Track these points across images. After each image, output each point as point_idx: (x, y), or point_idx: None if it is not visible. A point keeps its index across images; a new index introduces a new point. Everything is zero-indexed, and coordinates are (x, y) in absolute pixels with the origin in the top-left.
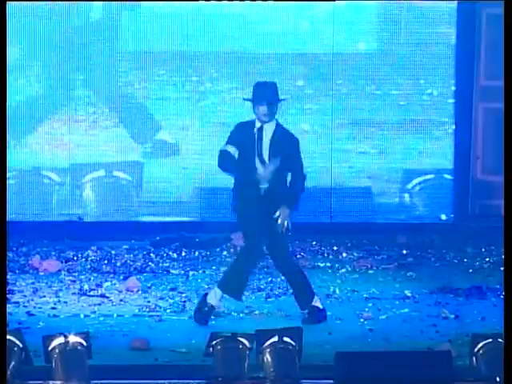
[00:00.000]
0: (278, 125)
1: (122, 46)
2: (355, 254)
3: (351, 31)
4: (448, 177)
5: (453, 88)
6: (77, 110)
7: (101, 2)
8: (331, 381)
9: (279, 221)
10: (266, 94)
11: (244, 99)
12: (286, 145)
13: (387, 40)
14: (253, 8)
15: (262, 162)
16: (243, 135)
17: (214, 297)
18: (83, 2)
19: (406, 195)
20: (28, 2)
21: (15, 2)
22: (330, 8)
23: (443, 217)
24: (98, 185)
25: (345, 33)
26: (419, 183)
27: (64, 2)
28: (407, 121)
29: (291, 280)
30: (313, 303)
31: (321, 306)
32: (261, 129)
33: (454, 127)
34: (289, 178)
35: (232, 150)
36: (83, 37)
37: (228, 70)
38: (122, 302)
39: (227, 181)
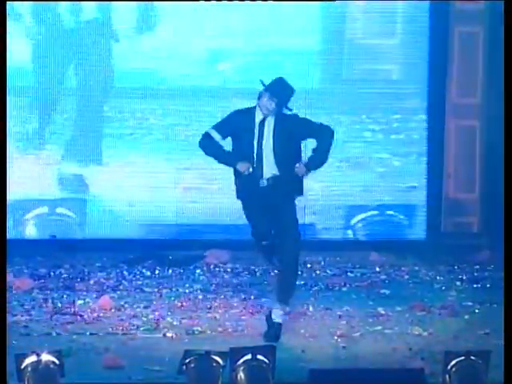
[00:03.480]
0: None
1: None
2: (328, 272)
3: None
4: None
5: (397, 116)
6: (18, 147)
7: None
8: None
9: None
10: (282, 94)
11: (261, 81)
12: (292, 128)
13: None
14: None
15: (260, 154)
16: (241, 122)
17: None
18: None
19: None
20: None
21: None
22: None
23: (417, 234)
24: (41, 222)
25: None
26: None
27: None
28: (350, 158)
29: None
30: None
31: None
32: (263, 120)
33: (396, 163)
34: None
35: (217, 137)
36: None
37: (171, 105)
38: (95, 320)
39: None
